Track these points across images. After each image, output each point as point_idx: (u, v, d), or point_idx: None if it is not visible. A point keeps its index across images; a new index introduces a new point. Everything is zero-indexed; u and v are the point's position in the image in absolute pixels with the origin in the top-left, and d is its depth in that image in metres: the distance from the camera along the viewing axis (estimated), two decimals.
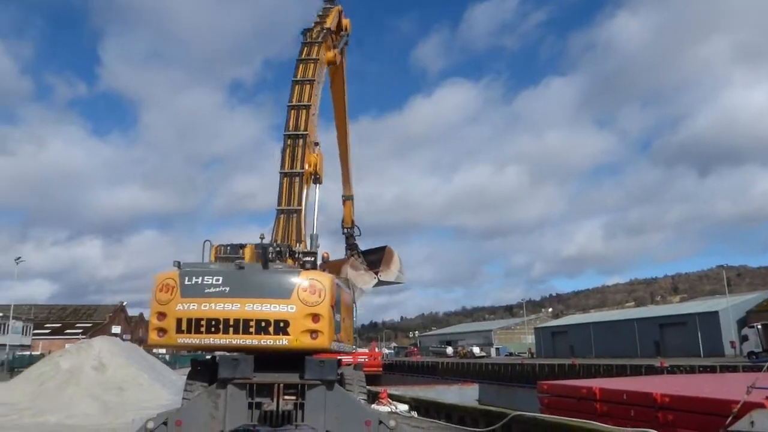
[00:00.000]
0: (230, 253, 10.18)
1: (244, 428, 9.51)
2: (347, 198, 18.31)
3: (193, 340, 8.85)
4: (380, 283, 18.09)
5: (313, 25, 14.34)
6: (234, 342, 8.90)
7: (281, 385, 9.27)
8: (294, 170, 11.35)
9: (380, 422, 9.13)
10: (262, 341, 8.90)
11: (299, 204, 11.18)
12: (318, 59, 13.19)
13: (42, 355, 44.87)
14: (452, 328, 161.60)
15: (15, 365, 48.01)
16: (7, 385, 24.54)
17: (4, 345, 64.63)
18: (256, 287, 9.04)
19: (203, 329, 8.83)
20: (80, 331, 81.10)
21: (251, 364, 9.31)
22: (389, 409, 16.96)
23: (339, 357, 10.15)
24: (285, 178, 11.22)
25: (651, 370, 37.33)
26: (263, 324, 8.89)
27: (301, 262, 10.00)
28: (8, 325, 67.74)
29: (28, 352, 65.02)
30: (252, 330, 8.86)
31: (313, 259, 9.96)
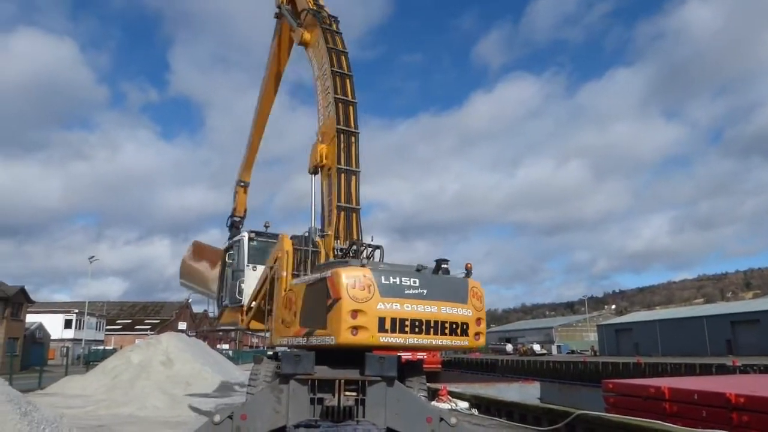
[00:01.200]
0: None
1: (307, 423, 9.67)
2: (246, 185, 17.36)
3: (398, 339, 8.90)
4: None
5: (315, 8, 13.21)
6: (434, 342, 9.24)
7: (342, 381, 9.37)
8: (349, 167, 11.23)
9: (441, 419, 9.08)
10: (453, 342, 9.39)
11: (357, 203, 11.13)
12: (347, 50, 12.54)
13: (114, 350, 46.94)
14: (512, 325, 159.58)
15: (90, 359, 50.48)
16: (84, 378, 25.75)
17: (80, 340, 68.00)
18: (443, 291, 9.36)
19: (407, 329, 8.97)
20: (149, 327, 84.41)
21: (312, 360, 9.44)
22: (449, 407, 16.90)
23: (398, 354, 10.15)
24: (342, 175, 11.09)
25: (722, 370, 35.75)
26: (454, 326, 9.32)
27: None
28: (83, 321, 71.18)
29: (101, 347, 68.23)
30: (447, 331, 9.24)
31: (447, 266, 9.87)
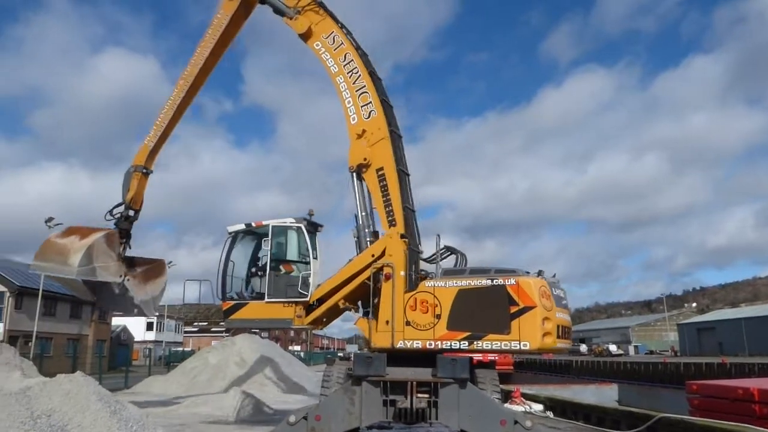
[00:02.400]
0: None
1: (380, 424, 9.71)
2: (148, 173, 15.11)
3: (564, 344, 9.77)
4: (117, 295, 14.77)
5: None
6: (567, 346, 10.18)
7: (414, 382, 9.38)
8: (404, 169, 11.27)
9: (516, 422, 8.93)
10: (567, 345, 10.15)
11: (413, 205, 11.21)
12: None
13: (192, 351, 48.77)
14: (586, 324, 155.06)
15: (170, 360, 52.60)
16: (166, 378, 26.88)
17: (161, 341, 71.06)
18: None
19: (567, 335, 10.02)
20: (224, 329, 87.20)
21: (384, 362, 9.50)
22: (523, 409, 16.59)
23: (471, 355, 10.06)
24: (402, 176, 11.11)
25: None
26: (567, 330, 10.08)
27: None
28: (164, 324, 74.39)
29: (180, 348, 71.05)
30: (567, 336, 10.08)
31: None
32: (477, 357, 11.16)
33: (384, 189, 10.83)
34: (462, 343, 9.44)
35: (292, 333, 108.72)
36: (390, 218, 10.68)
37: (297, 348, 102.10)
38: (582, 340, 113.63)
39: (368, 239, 10.80)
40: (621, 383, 40.46)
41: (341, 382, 10.24)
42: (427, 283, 9.97)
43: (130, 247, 14.98)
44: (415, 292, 9.91)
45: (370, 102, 11.34)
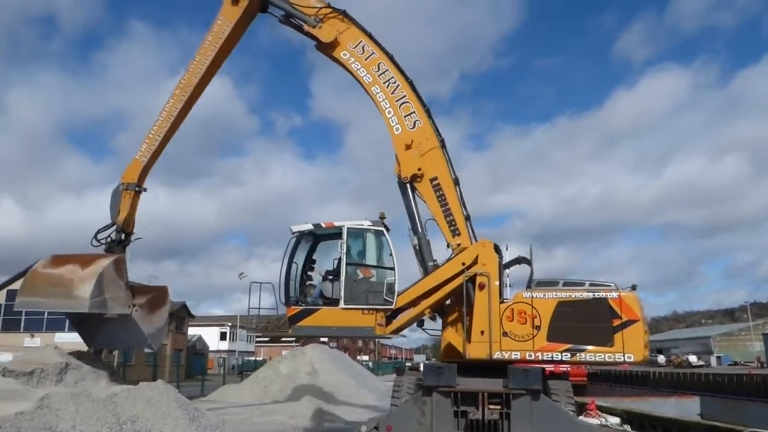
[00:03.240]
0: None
1: None
2: (141, 191, 13.74)
3: (646, 354, 9.69)
4: (120, 328, 12.98)
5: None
6: None
7: (486, 394, 9.28)
8: (456, 177, 11.16)
9: None
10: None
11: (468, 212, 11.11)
12: None
13: (264, 361, 49.91)
14: (663, 334, 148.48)
15: (243, 369, 54.07)
16: (239, 386, 27.64)
17: (234, 351, 73.13)
18: None
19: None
20: (294, 339, 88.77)
21: (455, 372, 9.45)
22: (599, 422, 16.09)
23: (542, 366, 9.86)
24: (457, 185, 11.08)
25: None
26: None
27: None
28: (236, 334, 76.55)
29: (252, 358, 72.84)
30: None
31: None
32: (549, 368, 10.89)
33: (441, 198, 10.77)
34: (564, 354, 9.38)
35: (360, 343, 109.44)
36: (452, 228, 10.63)
37: (365, 358, 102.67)
38: (660, 351, 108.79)
39: (453, 248, 10.59)
40: (703, 396, 38.52)
41: (411, 392, 10.21)
42: (525, 294, 9.86)
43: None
44: (511, 302, 9.83)
45: (414, 112, 11.23)
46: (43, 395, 9.78)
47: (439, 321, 11.08)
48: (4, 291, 46.26)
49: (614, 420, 17.03)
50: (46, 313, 43.36)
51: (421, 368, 10.75)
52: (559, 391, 9.87)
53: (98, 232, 13.24)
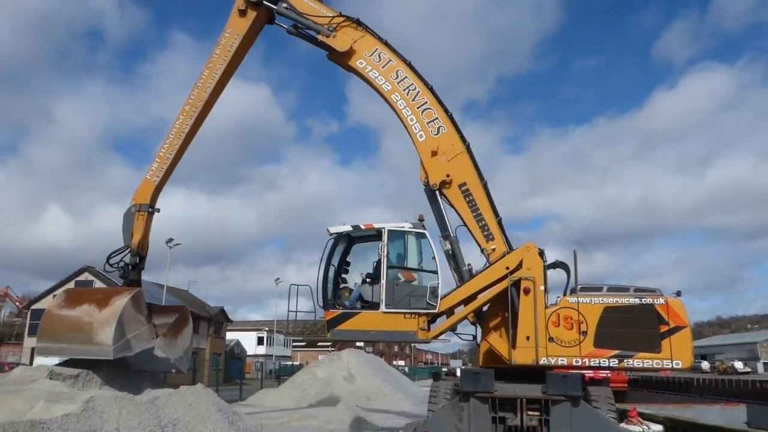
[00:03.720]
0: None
1: None
2: (154, 211, 13.23)
3: (693, 360, 10.04)
4: (144, 357, 12.39)
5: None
6: None
7: (524, 400, 9.18)
8: (484, 181, 11.07)
9: None
10: None
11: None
12: None
13: (301, 365, 50.31)
14: (707, 340, 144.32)
15: (280, 373, 54.60)
16: (277, 391, 27.86)
17: (271, 355, 73.87)
18: None
19: None
20: (330, 343, 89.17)
21: (492, 378, 9.38)
22: (641, 430, 15.68)
23: (582, 372, 9.71)
24: (486, 189, 11.01)
25: None
26: None
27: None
28: (273, 339, 77.33)
29: (289, 362, 73.51)
30: None
31: None
32: (588, 374, 10.73)
33: (472, 204, 10.74)
34: (611, 360, 9.39)
35: (396, 347, 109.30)
36: (486, 232, 10.60)
37: (401, 363, 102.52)
38: (703, 357, 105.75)
39: (487, 253, 10.55)
40: (750, 404, 37.24)
41: (448, 397, 10.16)
42: (570, 299, 9.81)
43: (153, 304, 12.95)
44: (557, 307, 9.79)
45: (437, 118, 11.16)
46: (89, 398, 10.04)
47: (471, 325, 11.06)
48: (51, 296, 47.69)
49: (657, 428, 16.54)
50: None
51: (458, 373, 10.70)
52: (599, 398, 9.70)
53: (110, 256, 12.75)
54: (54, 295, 47.10)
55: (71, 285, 46.36)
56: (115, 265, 12.75)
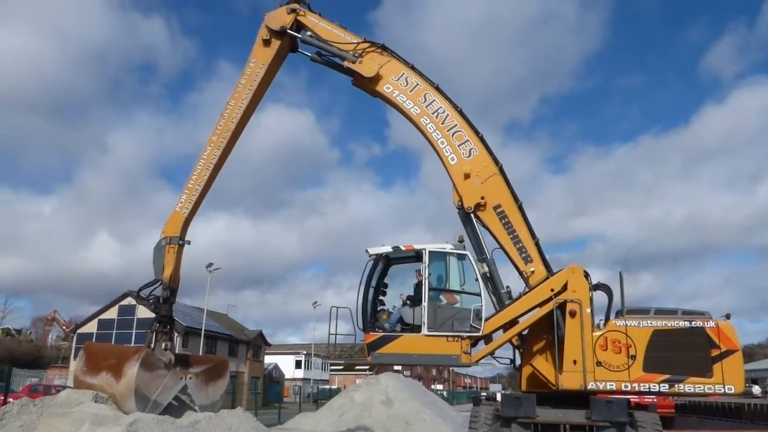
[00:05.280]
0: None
1: None
2: (185, 243, 13.02)
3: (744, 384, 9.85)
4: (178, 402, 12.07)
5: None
6: None
7: (567, 426, 8.99)
8: (519, 202, 10.99)
9: None
10: None
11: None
12: None
13: (339, 389, 50.17)
14: (758, 363, 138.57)
15: (318, 397, 54.48)
16: (315, 415, 27.82)
17: (309, 379, 73.90)
18: None
19: None
20: (367, 367, 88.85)
21: (534, 403, 9.22)
22: None
23: (627, 397, 9.45)
24: (522, 211, 10.91)
25: None
26: None
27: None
28: (311, 362, 77.44)
29: (327, 386, 73.38)
30: None
31: None
32: (634, 399, 10.41)
33: (508, 226, 10.61)
34: (662, 385, 9.18)
35: (434, 371, 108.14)
36: (524, 254, 10.45)
37: (439, 387, 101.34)
38: (755, 381, 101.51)
39: (526, 275, 10.39)
40: None
41: (489, 423, 9.97)
42: (618, 322, 9.64)
43: (178, 333, 12.58)
44: (604, 330, 9.60)
45: (468, 140, 11.08)
46: (132, 420, 10.21)
47: (512, 348, 10.88)
48: (96, 320, 48.91)
49: None
50: (133, 341, 45.52)
51: (498, 398, 10.53)
52: (646, 424, 9.37)
53: (141, 288, 12.74)
54: (99, 319, 48.36)
55: (114, 309, 47.59)
56: (146, 299, 12.69)
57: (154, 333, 12.45)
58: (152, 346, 12.33)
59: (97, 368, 11.74)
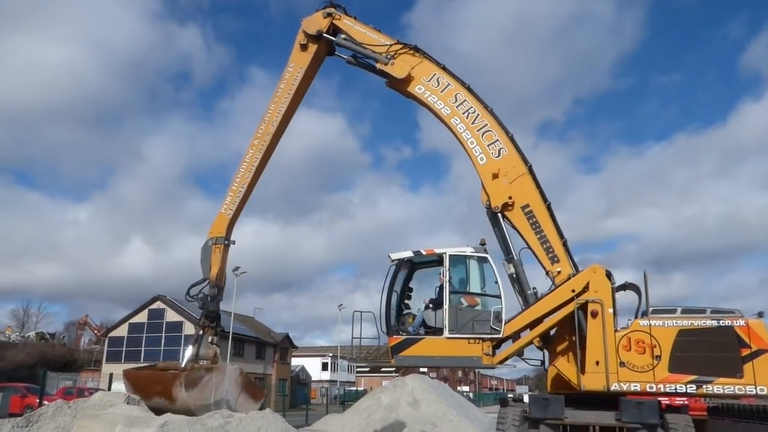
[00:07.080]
0: None
1: None
2: (230, 243, 13.42)
3: None
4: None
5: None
6: None
7: (597, 427, 8.89)
8: (548, 203, 10.87)
9: None
10: None
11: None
12: None
13: (365, 391, 50.25)
14: None
15: (345, 399, 54.68)
16: (342, 416, 27.91)
17: (335, 381, 74.18)
18: None
19: None
20: (393, 369, 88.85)
21: (562, 404, 9.13)
22: None
23: (659, 399, 9.29)
24: (551, 211, 10.80)
25: None
26: None
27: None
28: (337, 364, 77.72)
29: (353, 388, 73.58)
30: None
31: None
32: (665, 400, 10.25)
33: (535, 226, 10.53)
34: (689, 386, 8.97)
35: (460, 373, 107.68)
36: (551, 255, 10.36)
37: (466, 388, 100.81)
38: None
39: (552, 275, 10.31)
40: None
41: (516, 424, 9.90)
42: (642, 322, 9.49)
43: (223, 330, 13.59)
44: (628, 330, 9.47)
45: (497, 140, 11.03)
46: (163, 422, 10.36)
47: (538, 350, 10.79)
48: (126, 324, 49.75)
49: None
50: (162, 344, 46.11)
51: (525, 399, 10.46)
52: (678, 426, 9.19)
53: (191, 287, 13.15)
54: (129, 323, 49.07)
55: (144, 313, 48.34)
56: (195, 297, 13.13)
57: (202, 328, 13.02)
58: (197, 342, 12.90)
59: (149, 394, 12.02)
